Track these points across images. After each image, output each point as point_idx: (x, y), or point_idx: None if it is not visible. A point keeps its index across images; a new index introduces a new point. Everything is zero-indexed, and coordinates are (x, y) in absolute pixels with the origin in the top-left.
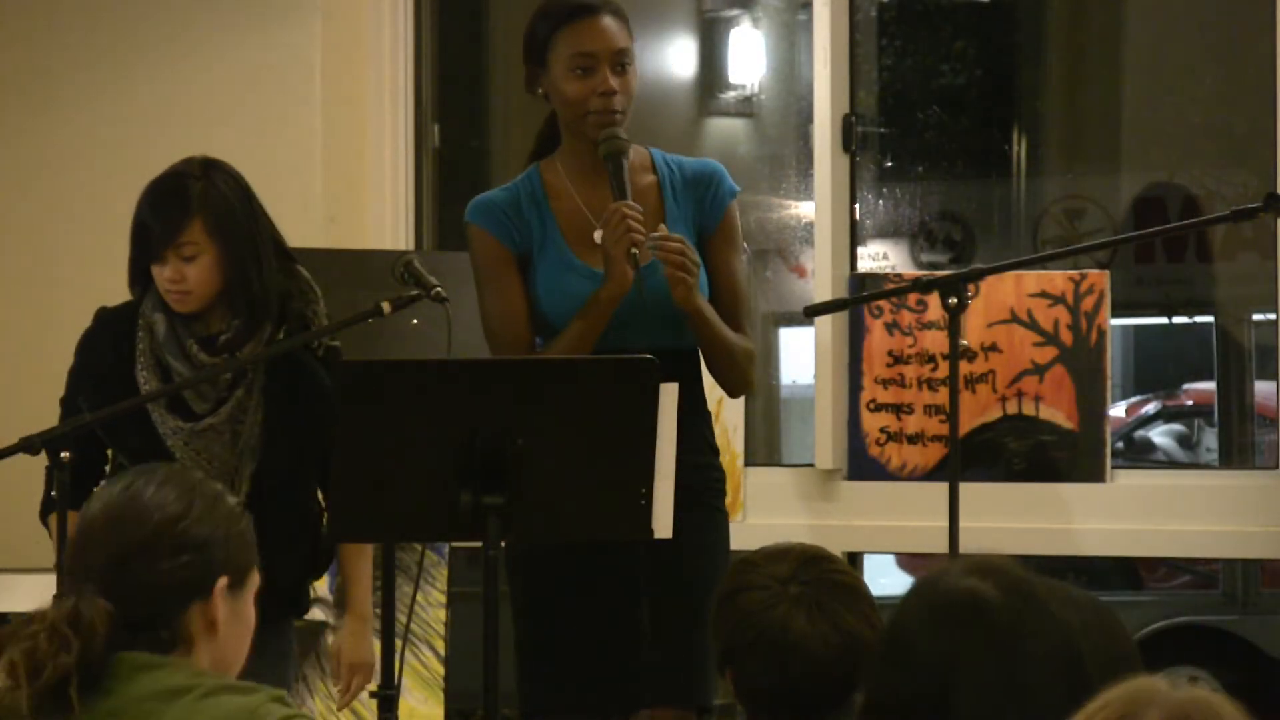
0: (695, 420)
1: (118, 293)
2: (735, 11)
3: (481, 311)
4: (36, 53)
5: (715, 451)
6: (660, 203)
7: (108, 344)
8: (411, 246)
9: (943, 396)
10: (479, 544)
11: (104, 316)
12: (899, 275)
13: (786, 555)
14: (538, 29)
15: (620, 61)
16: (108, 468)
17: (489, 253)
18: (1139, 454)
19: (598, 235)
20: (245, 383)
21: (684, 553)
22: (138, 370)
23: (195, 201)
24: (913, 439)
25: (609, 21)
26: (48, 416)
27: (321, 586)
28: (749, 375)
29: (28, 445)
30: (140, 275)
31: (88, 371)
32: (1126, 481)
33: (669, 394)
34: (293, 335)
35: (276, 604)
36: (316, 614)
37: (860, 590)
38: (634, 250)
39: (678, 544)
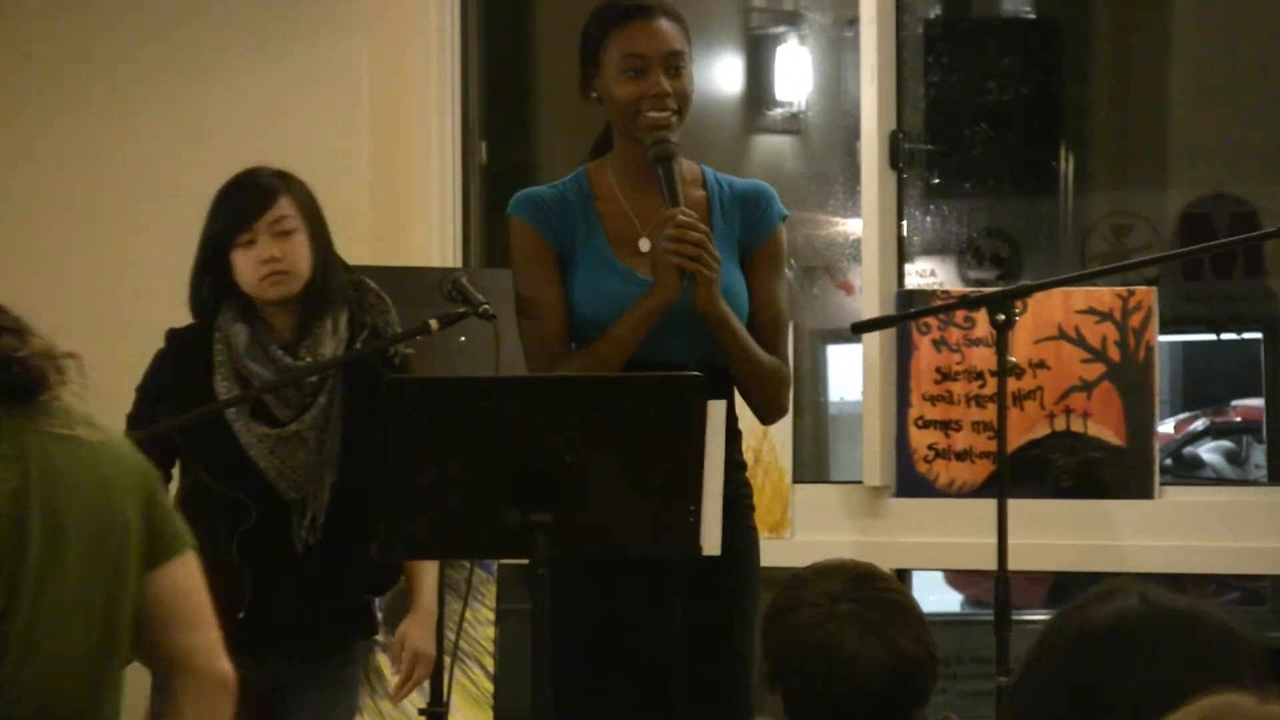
0: (727, 442)
1: (171, 304)
2: (782, 29)
3: (516, 304)
4: (87, 70)
5: (742, 467)
6: (708, 218)
7: (183, 359)
8: (459, 264)
9: (991, 413)
10: (527, 561)
11: (177, 334)
12: (946, 292)
13: (837, 572)
14: (591, 30)
15: (674, 64)
16: (172, 485)
17: (529, 245)
18: (1187, 470)
19: (643, 244)
20: (327, 389)
21: (715, 564)
22: (217, 382)
23: (281, 182)
24: (961, 455)
25: (663, 23)
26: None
27: None
28: (780, 398)
29: None
30: (204, 298)
31: (164, 386)
32: (1175, 498)
33: (717, 411)
34: (365, 344)
35: (350, 624)
36: None
37: (911, 608)
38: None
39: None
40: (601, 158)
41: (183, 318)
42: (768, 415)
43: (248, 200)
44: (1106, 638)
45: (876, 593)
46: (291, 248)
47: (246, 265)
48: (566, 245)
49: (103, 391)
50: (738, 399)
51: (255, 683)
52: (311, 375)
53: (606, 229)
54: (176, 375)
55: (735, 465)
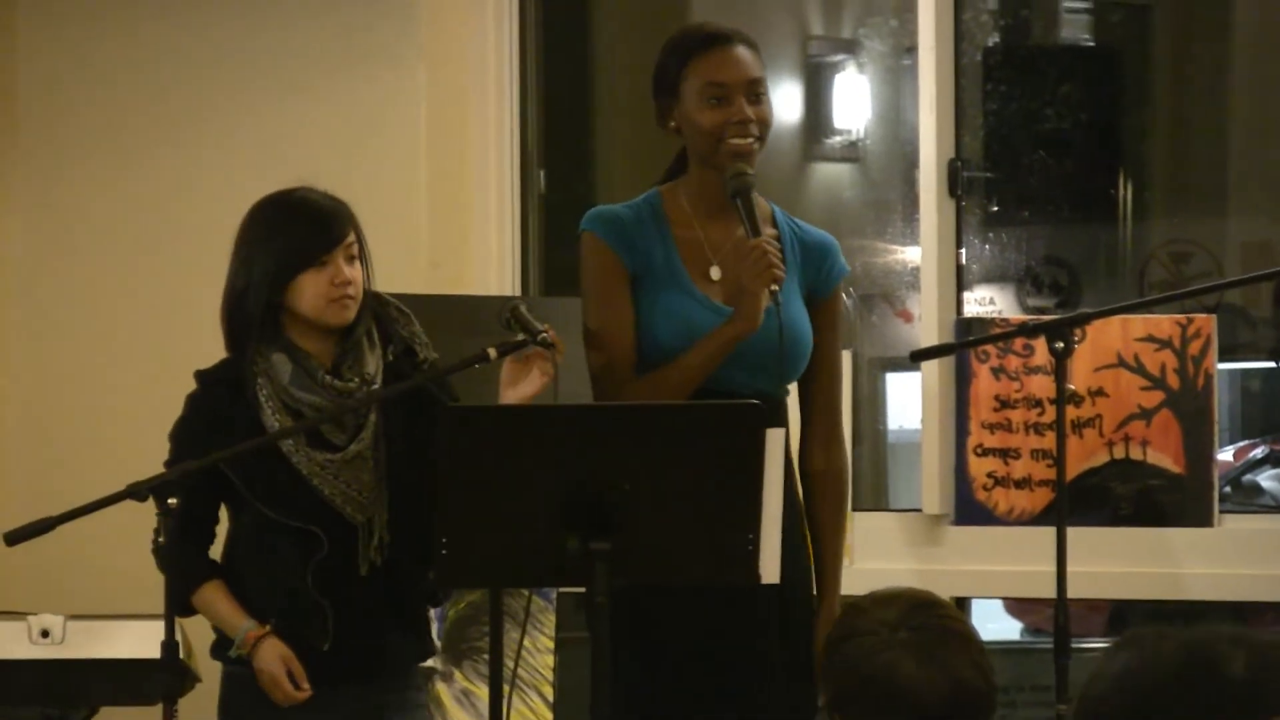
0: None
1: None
2: (840, 57)
3: (585, 322)
4: (147, 101)
5: (798, 503)
6: (780, 256)
7: (223, 398)
8: (517, 292)
9: (1049, 441)
10: (586, 589)
11: (210, 374)
12: (1005, 320)
13: (895, 600)
14: (670, 59)
15: (755, 91)
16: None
17: (603, 264)
18: (1247, 498)
19: (714, 271)
20: (376, 407)
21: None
22: (266, 416)
23: (344, 206)
24: (1019, 484)
25: (743, 51)
26: (154, 462)
27: None
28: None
29: (135, 492)
30: (242, 331)
31: (207, 426)
32: (1234, 526)
33: (775, 439)
34: (399, 357)
35: (414, 645)
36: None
37: (970, 636)
38: (774, 288)
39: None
40: (673, 182)
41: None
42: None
43: (332, 222)
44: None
45: (935, 620)
46: (356, 272)
47: (318, 286)
48: (641, 265)
49: (154, 428)
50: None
51: (335, 715)
52: (371, 402)
53: (682, 254)
54: (218, 415)
55: (794, 499)
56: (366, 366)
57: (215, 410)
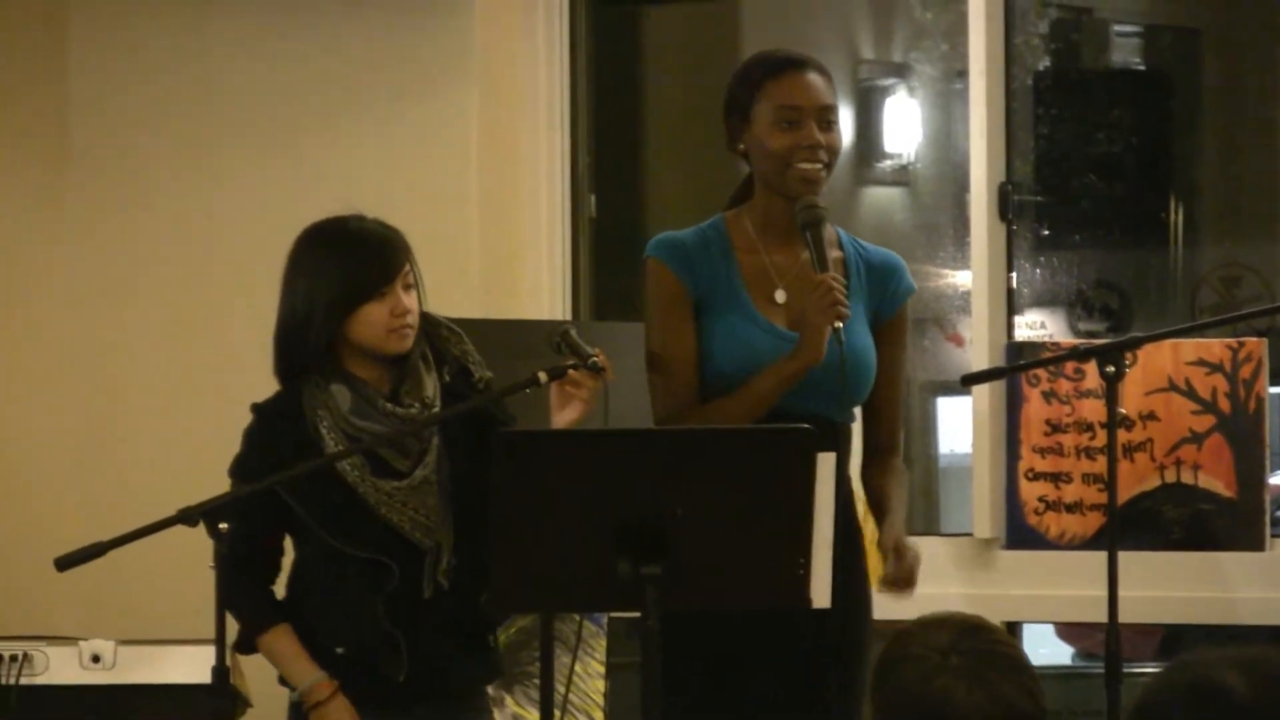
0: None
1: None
2: (891, 81)
3: (648, 348)
4: (198, 124)
5: (856, 528)
6: (845, 280)
7: (286, 430)
8: (568, 316)
9: (1101, 465)
10: (638, 614)
11: (267, 407)
12: (1056, 344)
13: (945, 625)
14: (744, 82)
15: (827, 118)
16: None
17: (667, 290)
18: None
19: (779, 295)
20: (437, 430)
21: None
22: (329, 448)
23: (400, 235)
24: (1071, 508)
25: (815, 77)
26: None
27: None
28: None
29: (186, 517)
30: (300, 362)
31: (265, 460)
32: None
33: (826, 463)
34: (455, 377)
35: (481, 667)
36: None
37: (1020, 661)
38: (839, 324)
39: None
40: (738, 208)
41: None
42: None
43: (389, 254)
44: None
45: (986, 645)
46: (414, 301)
47: (378, 317)
48: (705, 290)
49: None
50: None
51: None
52: (432, 425)
53: (746, 279)
54: (279, 446)
55: (854, 526)
56: (425, 390)
57: (274, 443)
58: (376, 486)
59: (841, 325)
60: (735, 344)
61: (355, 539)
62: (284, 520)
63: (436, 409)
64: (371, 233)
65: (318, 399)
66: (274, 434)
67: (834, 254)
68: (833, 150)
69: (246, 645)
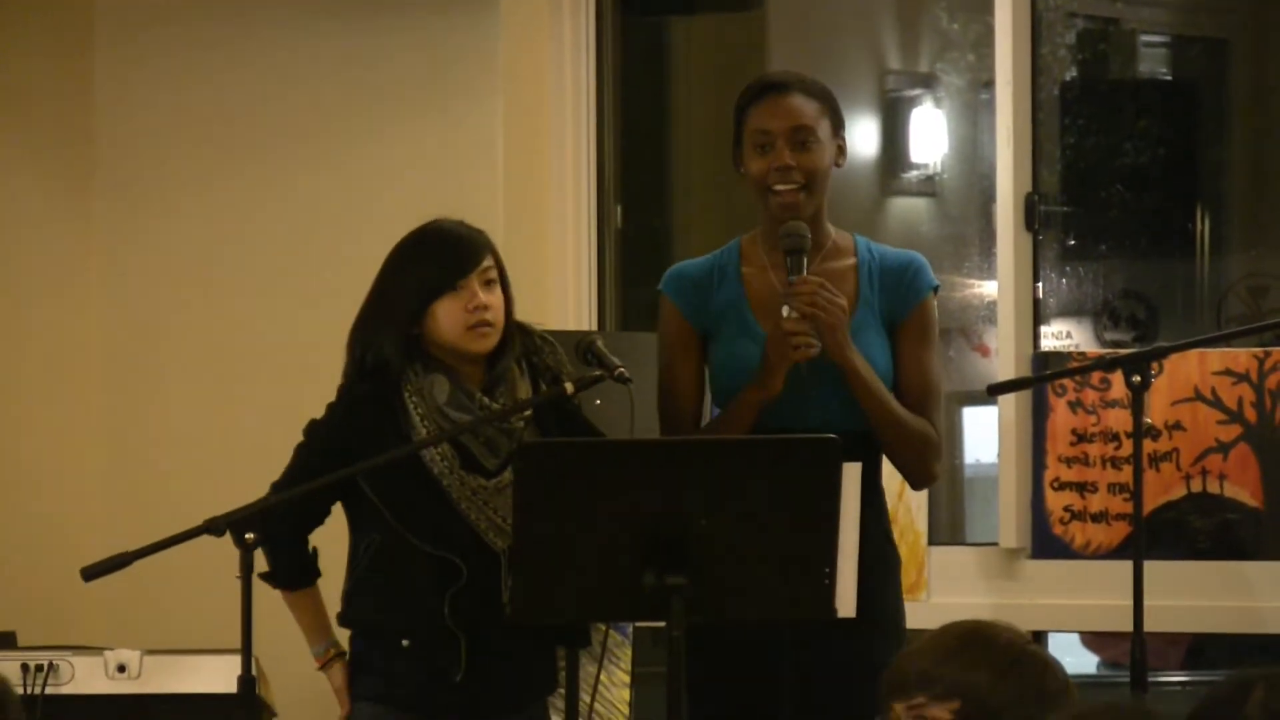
0: (868, 508)
1: (310, 372)
2: (918, 91)
3: (659, 376)
4: (224, 134)
5: (888, 539)
6: (855, 287)
7: (373, 414)
8: (594, 327)
9: (1126, 475)
10: (663, 624)
11: (358, 389)
12: (1082, 354)
13: (946, 634)
14: (736, 108)
15: (801, 139)
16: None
17: (670, 327)
18: None
19: (786, 310)
20: (528, 435)
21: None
22: (418, 437)
23: (482, 233)
24: (1097, 517)
25: (795, 100)
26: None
27: None
28: (925, 461)
29: (212, 527)
30: (387, 352)
31: (343, 437)
32: None
33: (852, 474)
34: (549, 385)
35: (544, 677)
36: None
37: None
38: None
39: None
40: (756, 229)
41: (321, 390)
42: (914, 478)
43: (466, 249)
44: None
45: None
46: (494, 298)
47: (454, 313)
48: (711, 320)
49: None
50: (884, 469)
51: None
52: (512, 415)
53: (750, 294)
54: (363, 429)
55: (885, 537)
56: (518, 394)
57: (355, 425)
58: (463, 480)
59: (805, 359)
60: (732, 362)
61: (428, 533)
62: (349, 502)
63: (529, 413)
64: (447, 230)
65: (415, 386)
66: (359, 415)
67: (846, 262)
68: (808, 170)
69: (288, 583)
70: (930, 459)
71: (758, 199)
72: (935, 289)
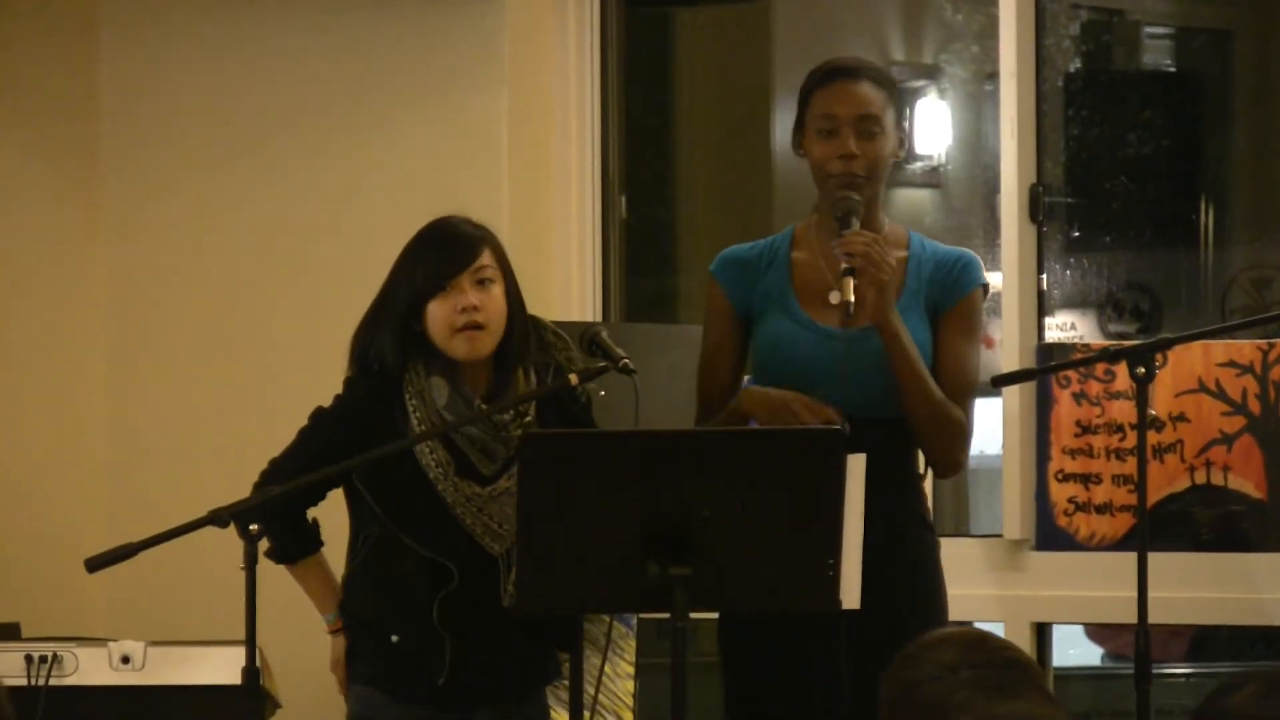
0: (905, 494)
1: (313, 364)
2: (922, 82)
3: (699, 359)
4: (228, 125)
5: (927, 525)
6: (903, 279)
7: (373, 414)
8: (599, 318)
9: (1131, 466)
10: (666, 615)
11: (360, 388)
12: (1086, 345)
13: (948, 642)
14: (802, 90)
15: (867, 128)
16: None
17: (715, 306)
18: None
19: (833, 296)
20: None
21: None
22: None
23: (482, 232)
24: (1101, 509)
25: (863, 86)
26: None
27: None
28: (954, 448)
29: (216, 518)
30: (386, 351)
31: (341, 432)
32: None
33: (857, 465)
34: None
35: (540, 669)
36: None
37: (1030, 665)
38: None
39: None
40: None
41: (324, 383)
42: (940, 465)
43: (457, 248)
44: None
45: (993, 655)
46: (489, 299)
47: (443, 314)
48: (755, 305)
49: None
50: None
51: None
52: (503, 412)
53: (797, 279)
54: (361, 428)
55: (921, 522)
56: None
57: (354, 423)
58: (457, 487)
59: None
60: (772, 339)
61: (423, 536)
62: (349, 496)
63: (530, 419)
64: (445, 230)
65: (415, 387)
66: (361, 413)
67: (898, 254)
68: (870, 160)
69: (290, 558)
70: (959, 446)
71: (817, 183)
72: (985, 287)
